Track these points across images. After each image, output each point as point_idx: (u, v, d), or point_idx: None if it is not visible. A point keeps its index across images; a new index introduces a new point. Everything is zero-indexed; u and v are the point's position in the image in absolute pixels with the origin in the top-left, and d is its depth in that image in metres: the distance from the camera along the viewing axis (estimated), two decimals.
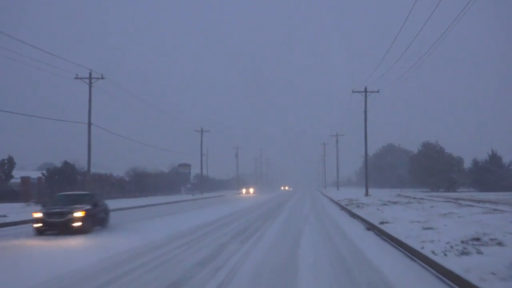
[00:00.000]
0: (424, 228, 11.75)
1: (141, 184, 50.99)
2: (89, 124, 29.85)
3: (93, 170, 34.14)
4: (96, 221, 14.60)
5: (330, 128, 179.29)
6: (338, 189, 67.09)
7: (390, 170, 76.19)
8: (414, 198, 29.16)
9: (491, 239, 9.16)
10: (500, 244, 8.65)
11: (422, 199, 27.71)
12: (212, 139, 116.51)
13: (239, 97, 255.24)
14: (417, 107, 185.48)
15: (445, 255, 7.83)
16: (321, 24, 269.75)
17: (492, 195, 32.83)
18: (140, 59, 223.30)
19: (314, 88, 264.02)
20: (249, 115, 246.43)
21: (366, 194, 35.32)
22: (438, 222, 13.03)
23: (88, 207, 13.97)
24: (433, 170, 49.80)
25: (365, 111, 35.01)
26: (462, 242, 8.97)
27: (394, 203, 23.55)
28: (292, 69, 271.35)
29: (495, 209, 17.48)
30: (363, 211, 19.61)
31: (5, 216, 19.49)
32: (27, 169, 52.68)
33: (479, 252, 7.83)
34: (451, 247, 8.45)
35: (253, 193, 66.51)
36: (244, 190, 69.91)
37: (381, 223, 14.04)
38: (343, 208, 25.49)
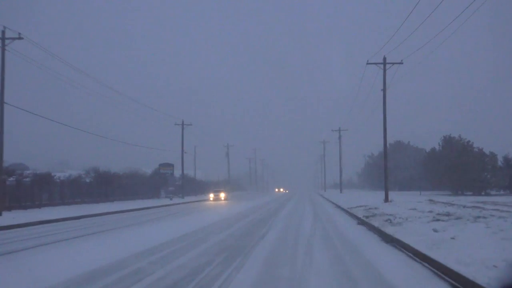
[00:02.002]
0: None
1: (109, 186, 42.31)
2: (1, 103, 21.18)
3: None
4: None
5: (329, 127, 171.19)
6: (341, 192, 58.43)
7: (398, 170, 67.69)
8: (466, 206, 20.52)
9: None
10: None
11: (483, 208, 19.07)
12: (204, 138, 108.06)
13: (237, 96, 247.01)
14: (427, 101, 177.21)
15: None
16: (320, 23, 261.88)
17: None
18: (128, 52, 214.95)
19: (312, 87, 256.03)
20: (244, 114, 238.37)
21: (386, 199, 26.69)
22: None
23: None
24: (458, 169, 41.10)
25: (384, 89, 26.44)
26: None
27: (448, 215, 14.90)
28: (290, 67, 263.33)
29: None
30: (410, 235, 11.03)
31: None
32: None
33: None
34: None
35: (225, 199, 47.81)
36: (212, 196, 49.59)
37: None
38: (362, 222, 16.97)
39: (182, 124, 52.37)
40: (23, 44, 21.90)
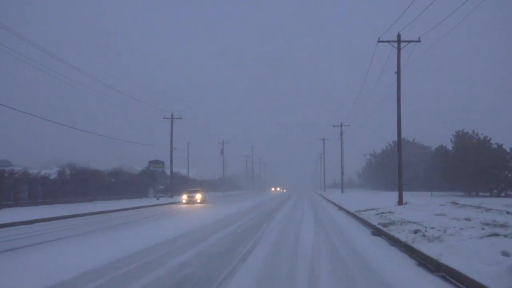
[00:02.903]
0: None
1: (89, 185, 38.38)
2: None
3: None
4: None
5: (328, 126, 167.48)
6: (342, 192, 54.43)
7: (403, 169, 63.75)
8: (493, 209, 16.58)
9: None
10: None
11: None
12: (201, 136, 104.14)
13: (234, 95, 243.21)
14: (433, 96, 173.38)
15: None
16: (318, 22, 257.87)
17: None
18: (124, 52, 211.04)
19: (312, 84, 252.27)
20: (242, 113, 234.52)
21: (400, 201, 22.75)
22: None
23: None
24: (474, 168, 36.97)
25: (398, 71, 22.49)
26: None
27: (502, 226, 10.91)
28: (289, 63, 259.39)
29: None
30: (469, 261, 7.07)
31: None
32: None
33: None
34: None
35: (201, 201, 37.20)
36: (185, 198, 37.40)
37: None
38: (378, 232, 13.08)
39: (171, 118, 48.38)
40: None
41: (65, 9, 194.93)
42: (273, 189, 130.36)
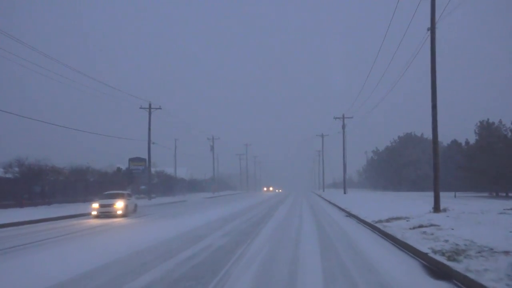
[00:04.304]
0: None
1: (45, 185, 32.15)
2: None
3: None
4: None
5: (328, 124, 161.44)
6: (345, 193, 48.16)
7: (412, 166, 57.77)
8: None
9: None
10: None
11: None
12: (195, 134, 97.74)
13: (229, 91, 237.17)
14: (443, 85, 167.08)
15: None
16: (317, 21, 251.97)
17: None
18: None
19: (309, 83, 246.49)
20: (237, 110, 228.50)
21: (436, 207, 16.38)
22: None
23: None
24: (507, 164, 30.56)
25: (432, 23, 16.30)
26: None
27: None
28: (286, 57, 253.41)
29: None
30: None
31: None
32: None
33: None
34: None
35: (124, 214, 21.97)
36: (95, 208, 21.66)
37: None
38: (444, 272, 6.93)
39: (149, 108, 42.09)
40: None
41: None
42: (265, 189, 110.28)
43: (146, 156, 50.16)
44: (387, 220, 14.89)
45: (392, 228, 12.46)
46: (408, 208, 19.30)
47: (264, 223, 16.98)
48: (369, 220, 15.60)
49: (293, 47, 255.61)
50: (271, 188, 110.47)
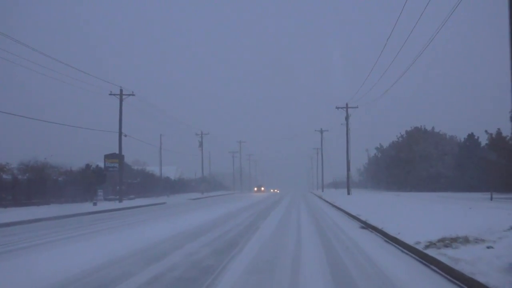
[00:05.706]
0: None
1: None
2: None
3: None
4: None
5: (326, 123, 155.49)
6: (349, 194, 42.06)
7: (422, 164, 51.76)
8: None
9: None
10: None
11: None
12: (187, 133, 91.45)
13: (224, 89, 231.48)
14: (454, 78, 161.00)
15: None
16: (315, 20, 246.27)
17: None
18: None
19: (307, 81, 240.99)
20: (232, 107, 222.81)
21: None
22: None
23: None
24: None
25: None
26: None
27: None
28: (282, 51, 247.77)
29: None
30: None
31: None
32: None
33: None
34: None
35: None
36: None
37: None
38: None
39: (120, 94, 35.93)
40: None
41: None
42: (255, 189, 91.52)
43: (120, 151, 44.08)
44: (442, 242, 8.83)
45: (477, 267, 6.37)
46: (453, 217, 13.24)
47: (242, 243, 10.85)
48: (409, 241, 9.53)
49: (290, 41, 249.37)
50: (262, 189, 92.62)
